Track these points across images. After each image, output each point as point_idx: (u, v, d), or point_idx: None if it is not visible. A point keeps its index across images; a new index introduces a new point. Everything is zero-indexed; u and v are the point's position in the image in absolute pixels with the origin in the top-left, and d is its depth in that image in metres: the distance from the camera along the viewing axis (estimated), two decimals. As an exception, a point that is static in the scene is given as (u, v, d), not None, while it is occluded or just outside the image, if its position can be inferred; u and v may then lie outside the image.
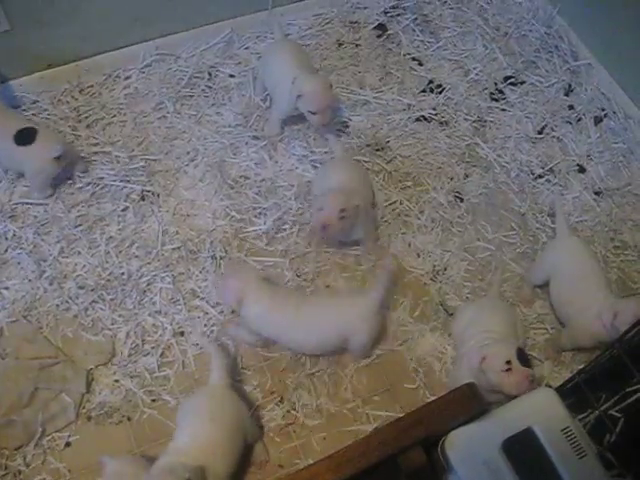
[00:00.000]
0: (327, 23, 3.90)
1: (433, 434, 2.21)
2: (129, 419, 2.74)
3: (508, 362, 2.46)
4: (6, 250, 3.08)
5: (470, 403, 2.22)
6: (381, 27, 3.89)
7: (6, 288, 2.99)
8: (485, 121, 3.61)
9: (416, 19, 3.93)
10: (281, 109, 3.32)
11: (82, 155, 3.31)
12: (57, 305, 2.95)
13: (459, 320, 2.92)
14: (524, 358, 2.50)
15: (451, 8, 4.01)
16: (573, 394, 2.50)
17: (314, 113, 3.15)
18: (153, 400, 2.78)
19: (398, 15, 3.94)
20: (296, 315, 2.71)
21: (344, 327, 2.75)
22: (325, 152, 3.42)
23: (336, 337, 2.77)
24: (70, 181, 3.25)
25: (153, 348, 2.88)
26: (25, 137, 3.03)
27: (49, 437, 2.69)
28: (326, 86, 3.14)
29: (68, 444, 2.69)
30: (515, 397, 2.43)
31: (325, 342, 2.79)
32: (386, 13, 3.94)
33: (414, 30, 3.90)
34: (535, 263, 3.10)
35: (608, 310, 2.66)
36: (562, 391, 2.49)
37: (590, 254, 2.95)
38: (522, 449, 2.27)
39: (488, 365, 2.49)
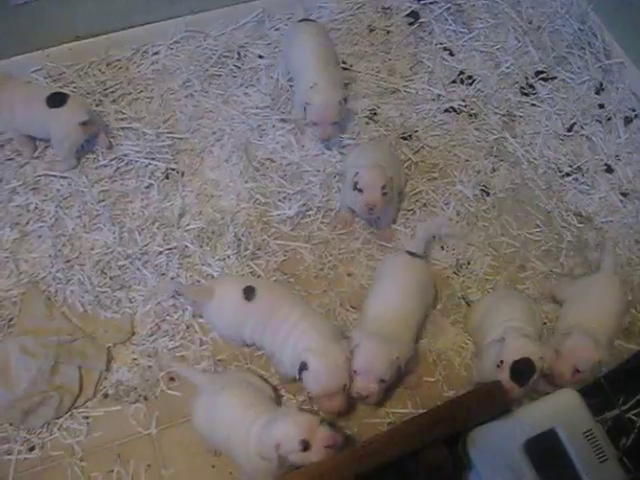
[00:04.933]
0: (359, 8, 3.85)
1: (456, 431, 2.19)
2: (146, 398, 2.73)
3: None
4: (27, 222, 3.07)
5: (495, 402, 2.20)
6: (414, 14, 3.85)
7: (26, 261, 2.98)
8: (514, 115, 3.56)
9: (449, 8, 3.88)
10: (302, 95, 3.26)
11: (107, 130, 3.29)
12: (76, 281, 2.94)
13: (474, 314, 2.91)
14: None
15: (485, -1, 3.96)
16: (591, 396, 2.48)
17: (315, 124, 3.18)
18: (171, 379, 2.77)
19: (431, 3, 3.89)
20: None
21: None
22: (352, 138, 3.40)
23: None
24: (94, 156, 3.23)
25: (173, 328, 2.86)
26: (56, 100, 3.03)
27: (67, 413, 2.68)
28: (334, 102, 3.11)
29: (84, 421, 2.69)
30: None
31: None
32: (419, 1, 3.89)
33: (447, 19, 3.85)
34: (569, 283, 3.01)
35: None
36: (582, 392, 2.47)
37: (622, 298, 2.86)
38: (544, 450, 2.26)
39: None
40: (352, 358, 2.49)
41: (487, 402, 2.20)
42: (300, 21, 3.48)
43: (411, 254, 2.85)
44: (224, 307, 2.69)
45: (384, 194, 2.85)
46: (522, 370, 2.43)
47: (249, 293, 2.64)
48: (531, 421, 2.30)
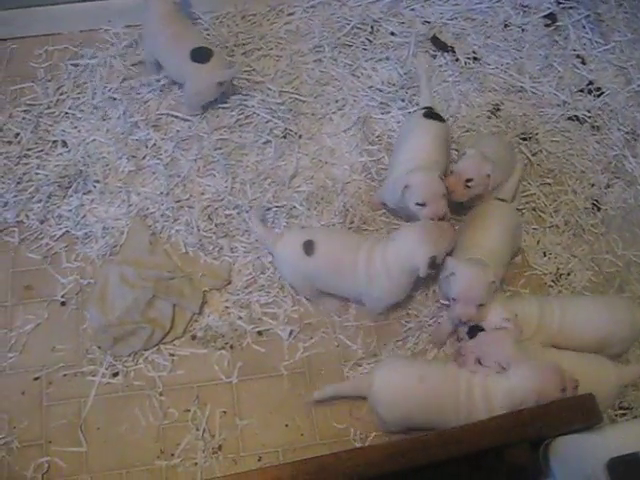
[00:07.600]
0: (498, 1, 3.79)
1: (544, 435, 2.17)
2: (232, 347, 2.78)
3: None
4: (144, 157, 3.14)
5: (589, 414, 2.17)
6: (551, 17, 3.78)
7: (137, 194, 3.05)
8: (638, 135, 3.48)
9: (589, 16, 3.79)
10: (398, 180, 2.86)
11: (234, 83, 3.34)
12: (183, 222, 3.00)
13: None
14: None
15: (626, 12, 3.86)
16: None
17: (422, 204, 2.75)
18: (259, 333, 2.81)
19: (571, 8, 3.82)
20: None
21: None
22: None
23: None
24: (218, 104, 3.27)
25: (268, 284, 2.90)
26: (201, 55, 3.07)
27: (154, 347, 2.75)
28: (435, 179, 2.75)
29: (169, 357, 2.75)
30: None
31: None
32: (559, 3, 3.82)
33: (584, 27, 3.77)
34: None
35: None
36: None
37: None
38: (627, 472, 2.21)
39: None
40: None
41: (582, 412, 2.16)
42: (426, 115, 3.02)
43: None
44: (286, 261, 2.78)
45: (467, 187, 2.83)
46: None
47: (308, 248, 2.70)
48: (619, 440, 2.25)
